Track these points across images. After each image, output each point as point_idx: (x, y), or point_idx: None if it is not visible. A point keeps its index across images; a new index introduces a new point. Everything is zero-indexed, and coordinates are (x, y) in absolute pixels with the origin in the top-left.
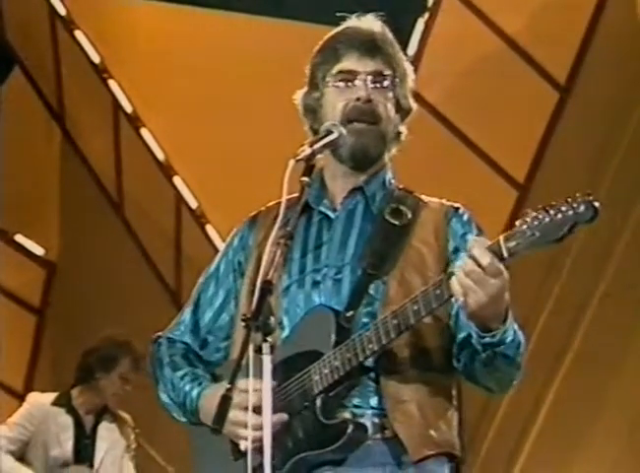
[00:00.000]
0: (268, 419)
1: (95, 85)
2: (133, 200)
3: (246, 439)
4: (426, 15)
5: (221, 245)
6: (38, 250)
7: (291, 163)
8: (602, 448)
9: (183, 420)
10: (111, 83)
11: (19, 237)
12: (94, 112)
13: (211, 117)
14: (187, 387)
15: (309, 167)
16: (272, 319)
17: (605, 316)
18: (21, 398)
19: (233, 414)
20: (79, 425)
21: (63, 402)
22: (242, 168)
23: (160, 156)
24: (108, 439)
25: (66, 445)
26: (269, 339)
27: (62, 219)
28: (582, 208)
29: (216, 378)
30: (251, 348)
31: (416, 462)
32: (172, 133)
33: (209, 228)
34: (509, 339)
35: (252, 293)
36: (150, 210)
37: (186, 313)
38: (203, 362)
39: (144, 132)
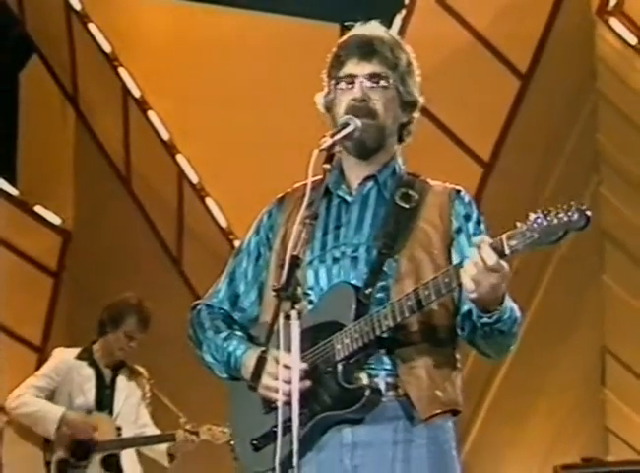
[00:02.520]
0: (296, 376)
1: (106, 72)
2: (140, 175)
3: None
4: (403, 12)
5: (219, 216)
6: (55, 220)
7: (315, 152)
8: (557, 398)
9: (224, 376)
10: (121, 70)
11: (38, 208)
12: (105, 96)
13: (211, 101)
14: (231, 347)
15: (330, 155)
16: (299, 290)
17: (560, 278)
18: (39, 351)
19: (266, 380)
20: (99, 376)
21: (85, 356)
22: (239, 147)
23: (165, 136)
24: (126, 389)
25: (88, 395)
26: (297, 307)
27: (76, 191)
28: (576, 216)
29: (251, 338)
30: (281, 315)
31: (425, 419)
32: (176, 115)
33: (208, 200)
34: (505, 317)
35: (280, 265)
36: (155, 184)
37: (222, 284)
38: (239, 325)
39: (150, 114)
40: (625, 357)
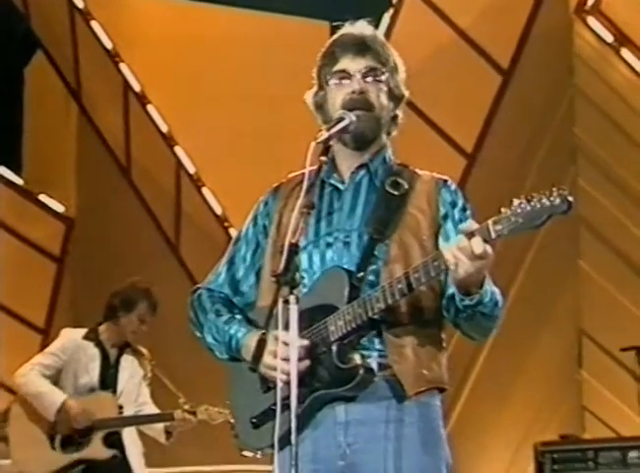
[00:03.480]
0: (294, 355)
1: (107, 67)
2: (139, 165)
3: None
4: (391, 10)
5: (214, 205)
6: (59, 208)
7: (312, 145)
8: (536, 379)
9: (225, 357)
10: (122, 66)
11: (42, 197)
12: (106, 90)
13: (208, 95)
14: (232, 330)
15: (326, 148)
16: (297, 275)
17: (539, 264)
18: (43, 333)
19: (267, 358)
20: (105, 356)
21: (92, 337)
22: (235, 139)
23: (164, 128)
24: (129, 369)
25: (93, 374)
26: (295, 292)
27: (79, 181)
28: (558, 201)
29: (250, 322)
30: (280, 300)
31: (412, 396)
32: (174, 109)
33: (204, 190)
34: (486, 300)
35: (277, 252)
36: (154, 174)
37: (222, 269)
38: (238, 308)
39: (150, 108)
40: (601, 339)
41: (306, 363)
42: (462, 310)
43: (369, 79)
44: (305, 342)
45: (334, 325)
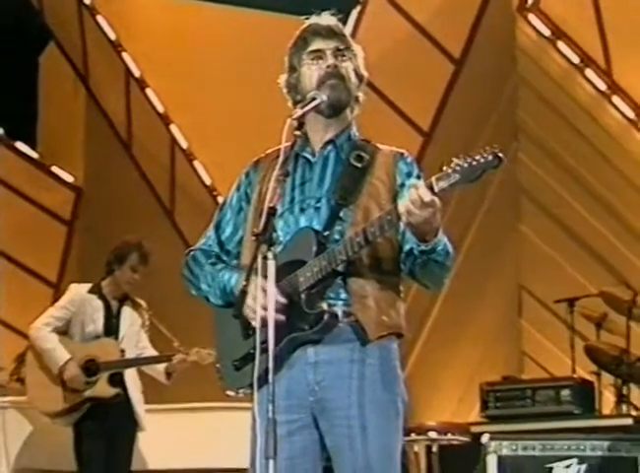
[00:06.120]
0: (272, 304)
1: (111, 56)
2: (139, 141)
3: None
4: (358, 7)
5: (204, 176)
6: (69, 178)
7: (288, 121)
8: (482, 328)
9: (219, 302)
10: (124, 55)
11: (54, 168)
12: (110, 76)
13: (199, 80)
14: (226, 276)
15: (300, 124)
16: (275, 235)
17: (485, 228)
18: (55, 287)
19: (249, 301)
20: (107, 307)
21: (95, 290)
22: (222, 118)
23: (160, 109)
24: (129, 318)
25: (98, 323)
26: (272, 249)
27: (86, 155)
28: (490, 157)
29: None
30: (260, 256)
31: (374, 340)
32: (170, 92)
33: (196, 163)
34: (439, 248)
35: (258, 216)
36: (151, 149)
37: (211, 233)
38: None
39: (148, 91)
40: (538, 293)
41: (281, 317)
42: (418, 257)
43: (340, 57)
44: (283, 300)
45: (303, 276)
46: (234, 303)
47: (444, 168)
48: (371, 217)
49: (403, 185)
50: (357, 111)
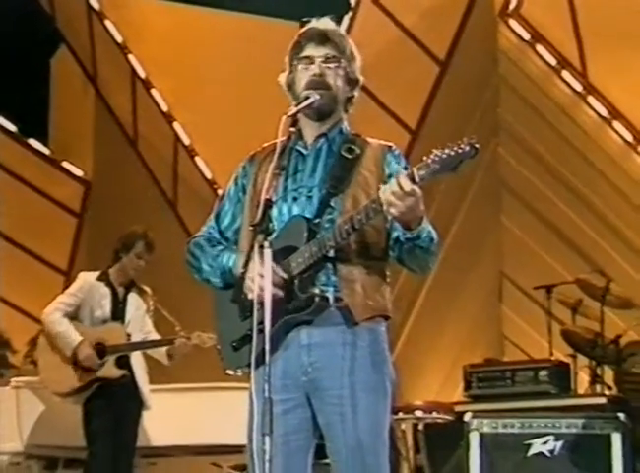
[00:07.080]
0: (269, 288)
1: (118, 57)
2: (144, 138)
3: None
4: (350, 12)
5: (205, 170)
6: (78, 172)
7: (284, 118)
8: (465, 313)
9: (220, 284)
10: (130, 57)
11: (65, 163)
12: (117, 76)
13: (201, 81)
14: (226, 257)
15: (295, 121)
16: (270, 225)
17: (468, 219)
18: (65, 275)
19: (247, 285)
20: (114, 294)
21: (103, 278)
22: (222, 117)
23: (164, 108)
24: (135, 304)
25: (106, 308)
26: (269, 238)
27: (95, 151)
28: (467, 148)
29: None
30: (256, 245)
31: (361, 322)
32: (173, 92)
33: (197, 158)
34: (424, 235)
35: (254, 206)
36: (156, 145)
37: (211, 221)
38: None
39: (153, 91)
40: (518, 280)
41: (279, 292)
42: (404, 244)
43: (328, 65)
44: (284, 274)
45: (295, 262)
46: (233, 284)
47: (424, 158)
48: (360, 205)
49: (390, 176)
50: (352, 111)
